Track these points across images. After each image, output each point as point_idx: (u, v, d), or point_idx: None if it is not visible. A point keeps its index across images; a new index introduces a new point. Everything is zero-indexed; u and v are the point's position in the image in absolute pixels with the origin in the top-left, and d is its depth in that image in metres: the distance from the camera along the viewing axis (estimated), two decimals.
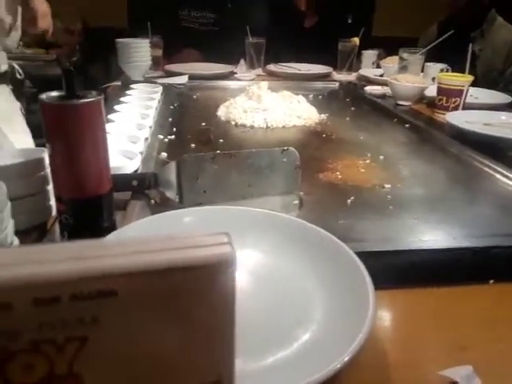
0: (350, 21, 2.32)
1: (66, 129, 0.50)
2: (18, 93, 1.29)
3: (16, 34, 1.12)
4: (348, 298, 0.42)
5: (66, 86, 0.50)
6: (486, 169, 0.88)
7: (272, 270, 0.48)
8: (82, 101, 0.50)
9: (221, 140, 1.00)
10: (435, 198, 0.75)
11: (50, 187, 0.58)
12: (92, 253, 0.16)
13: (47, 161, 0.57)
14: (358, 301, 0.41)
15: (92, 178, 0.53)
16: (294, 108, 1.17)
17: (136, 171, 0.77)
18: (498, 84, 1.80)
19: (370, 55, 1.88)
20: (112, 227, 0.57)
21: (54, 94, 0.51)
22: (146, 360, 0.16)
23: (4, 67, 1.19)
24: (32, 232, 0.57)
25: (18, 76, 1.29)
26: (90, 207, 0.54)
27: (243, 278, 0.48)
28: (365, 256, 0.47)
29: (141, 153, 0.84)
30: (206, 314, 0.16)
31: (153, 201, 0.68)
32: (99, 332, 0.16)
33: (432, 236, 0.62)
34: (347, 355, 0.35)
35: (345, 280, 0.44)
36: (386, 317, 0.47)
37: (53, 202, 0.59)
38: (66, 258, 0.15)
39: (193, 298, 0.16)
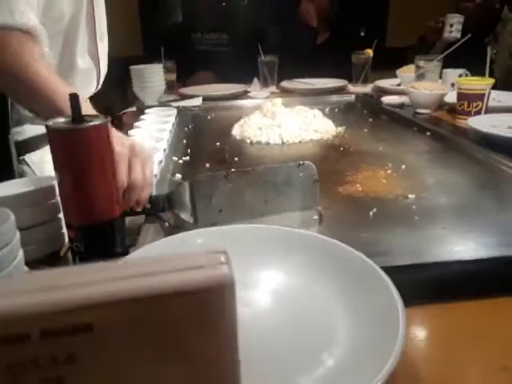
0: (362, 33, 2.31)
1: (74, 153, 0.49)
2: None
3: None
4: (376, 318, 0.39)
5: (73, 111, 0.50)
6: None
7: (294, 289, 0.45)
8: (89, 124, 0.49)
9: (236, 158, 0.98)
10: (463, 206, 0.71)
11: (62, 215, 0.57)
12: (67, 281, 0.14)
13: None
14: (386, 321, 0.38)
15: (101, 203, 0.51)
16: (309, 122, 1.15)
17: (150, 194, 0.75)
18: None
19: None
20: (125, 252, 0.55)
21: (61, 119, 0.50)
22: None
23: None
24: (44, 261, 0.56)
25: None
26: (101, 233, 0.52)
27: (263, 300, 0.45)
28: (391, 271, 0.44)
29: (155, 176, 0.83)
30: (202, 346, 0.14)
31: (167, 223, 0.66)
32: (76, 372, 0.13)
33: (462, 246, 0.58)
34: (377, 382, 0.32)
35: (372, 298, 0.41)
36: (418, 336, 0.43)
37: (65, 229, 0.58)
38: (35, 289, 0.13)
39: (185, 329, 0.14)
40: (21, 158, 1.01)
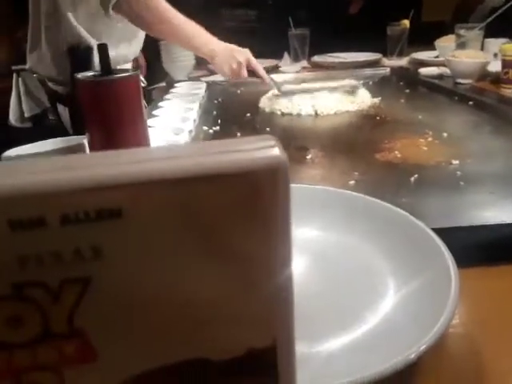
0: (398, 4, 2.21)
1: (104, 106, 0.47)
2: None
3: None
4: (425, 275, 0.36)
5: (101, 63, 0.48)
6: None
7: (333, 248, 0.42)
8: (118, 75, 0.47)
9: (267, 129, 0.96)
10: (511, 171, 0.66)
11: None
12: (89, 162, 0.11)
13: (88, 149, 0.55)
14: (436, 278, 0.35)
15: None
16: (345, 92, 1.10)
17: None
18: None
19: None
20: None
21: (90, 73, 0.49)
22: (171, 309, 0.12)
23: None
24: None
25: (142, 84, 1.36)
26: None
27: (301, 259, 0.43)
28: (438, 233, 0.41)
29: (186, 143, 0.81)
30: (250, 243, 0.12)
31: None
32: (105, 270, 0.11)
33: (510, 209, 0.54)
34: (426, 342, 0.29)
35: (419, 255, 0.38)
36: (469, 297, 0.39)
37: None
38: (53, 168, 0.11)
39: (229, 220, 0.11)
40: None
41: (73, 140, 0.57)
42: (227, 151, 0.12)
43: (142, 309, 0.12)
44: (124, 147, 0.42)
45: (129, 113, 0.48)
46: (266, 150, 0.12)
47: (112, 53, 1.07)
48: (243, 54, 1.09)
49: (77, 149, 0.55)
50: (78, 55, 1.06)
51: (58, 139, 0.61)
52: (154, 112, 1.00)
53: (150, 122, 0.91)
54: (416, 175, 0.64)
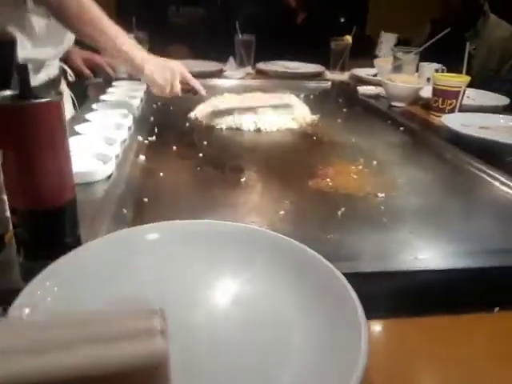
0: (342, 20, 2.28)
1: (21, 132, 0.44)
2: None
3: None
4: (337, 331, 0.37)
5: (21, 85, 0.44)
6: (485, 176, 0.83)
7: (247, 298, 0.42)
8: (39, 101, 0.44)
9: (205, 142, 0.94)
10: (431, 208, 0.70)
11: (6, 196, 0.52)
12: None
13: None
14: (348, 335, 0.36)
15: (50, 186, 0.47)
16: (288, 110, 1.11)
17: (110, 176, 0.71)
18: (493, 84, 1.76)
19: (390, 38, 1.80)
20: (75, 243, 0.51)
21: (7, 93, 0.45)
22: None
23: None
24: None
25: (70, 78, 1.25)
26: (48, 219, 0.48)
27: (217, 309, 0.42)
28: (355, 278, 0.42)
29: (117, 156, 0.78)
30: None
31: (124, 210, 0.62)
32: None
33: (428, 253, 0.57)
34: None
35: (333, 309, 0.39)
36: (379, 353, 0.41)
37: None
38: None
39: None
40: None
41: None
42: (113, 338, 0.11)
43: None
44: (41, 175, 0.39)
45: (48, 138, 0.45)
46: (146, 341, 0.11)
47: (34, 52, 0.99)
48: (177, 67, 1.04)
49: None
50: (1, 47, 0.98)
51: None
52: (87, 116, 0.96)
53: (81, 128, 0.87)
54: (343, 208, 0.66)
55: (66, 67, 1.27)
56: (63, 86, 1.24)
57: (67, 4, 0.91)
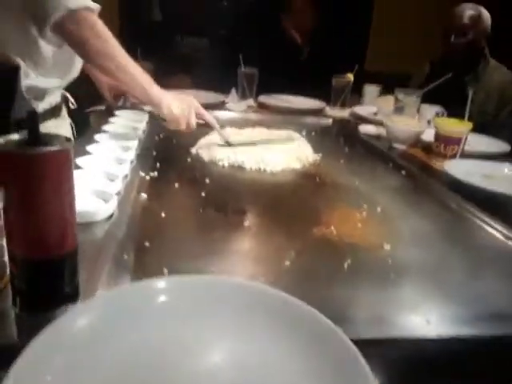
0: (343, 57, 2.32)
1: (27, 181, 0.42)
2: None
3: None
4: None
5: (30, 131, 0.43)
6: (489, 228, 0.82)
7: (246, 365, 0.40)
8: (48, 150, 0.42)
9: (207, 180, 0.93)
10: (436, 263, 0.68)
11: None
12: None
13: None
14: None
15: (53, 235, 0.45)
16: (293, 149, 1.10)
17: (111, 216, 0.69)
18: (491, 129, 1.78)
19: (372, 90, 1.84)
20: (73, 294, 0.48)
21: (14, 138, 0.44)
22: None
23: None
24: None
25: (72, 106, 1.25)
26: (49, 270, 0.46)
27: (213, 371, 0.40)
28: (362, 345, 0.40)
29: (118, 193, 0.76)
30: None
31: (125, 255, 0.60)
32: None
33: (437, 316, 0.55)
34: None
35: (344, 379, 0.37)
36: None
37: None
38: None
39: None
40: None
41: None
42: None
43: None
44: (45, 224, 0.37)
45: (55, 189, 0.43)
46: None
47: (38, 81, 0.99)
48: (192, 103, 1.06)
49: None
50: (4, 74, 0.98)
51: None
52: (89, 148, 0.94)
53: (81, 161, 0.85)
54: (349, 260, 0.64)
55: (67, 94, 1.26)
56: (64, 114, 1.23)
57: (91, 42, 0.94)
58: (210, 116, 1.10)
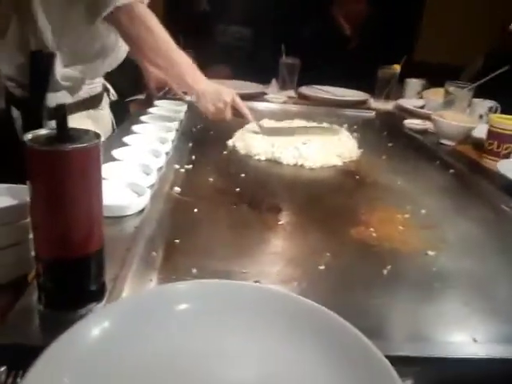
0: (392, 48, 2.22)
1: (53, 177, 0.41)
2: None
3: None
4: None
5: (58, 126, 0.42)
6: None
7: (270, 376, 0.37)
8: (75, 146, 0.41)
9: (242, 175, 0.90)
10: (487, 273, 0.63)
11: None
12: None
13: None
14: None
15: (80, 235, 0.43)
16: (334, 145, 1.05)
17: (142, 211, 0.68)
18: None
19: (414, 84, 1.75)
20: (100, 291, 0.47)
21: (42, 132, 0.43)
22: None
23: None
24: (8, 289, 0.48)
25: (112, 98, 1.28)
26: (75, 269, 0.45)
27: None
28: (399, 362, 0.37)
29: (152, 187, 0.75)
30: None
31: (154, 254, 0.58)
32: None
33: (487, 334, 0.50)
34: None
35: None
36: None
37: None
38: None
39: None
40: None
41: (18, 192, 0.51)
42: None
43: None
44: (72, 223, 0.36)
45: (83, 185, 0.42)
46: None
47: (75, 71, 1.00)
48: (230, 94, 1.05)
49: (20, 209, 0.48)
50: (40, 60, 0.99)
51: (3, 188, 0.54)
52: (125, 139, 0.94)
53: (117, 153, 0.85)
54: (389, 266, 0.60)
55: (108, 85, 1.27)
56: (104, 104, 1.24)
57: (142, 35, 0.98)
58: (246, 109, 1.08)
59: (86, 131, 0.44)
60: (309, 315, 0.41)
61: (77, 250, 0.44)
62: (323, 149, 1.01)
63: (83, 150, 0.41)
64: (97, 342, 0.36)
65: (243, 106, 1.07)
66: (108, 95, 1.26)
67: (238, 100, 1.06)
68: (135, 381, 0.36)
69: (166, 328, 0.39)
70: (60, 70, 1.00)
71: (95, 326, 0.37)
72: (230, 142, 1.09)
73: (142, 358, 0.36)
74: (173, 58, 1.01)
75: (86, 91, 1.12)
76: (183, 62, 1.03)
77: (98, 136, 0.44)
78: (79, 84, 1.07)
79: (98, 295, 0.47)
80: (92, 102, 1.16)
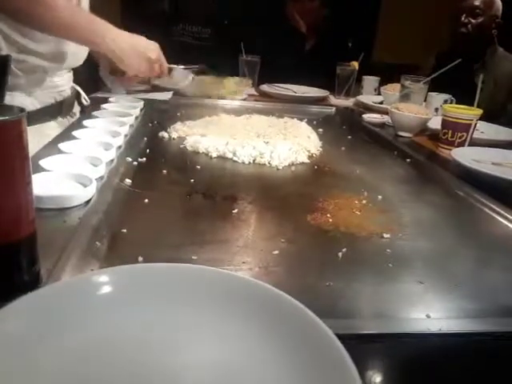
0: (350, 44, 2.24)
1: None
2: None
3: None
4: None
5: None
6: (499, 217, 0.76)
7: (221, 365, 0.35)
8: None
9: (198, 167, 0.88)
10: (441, 253, 0.63)
11: None
12: None
13: None
14: None
15: (4, 221, 0.40)
16: (299, 140, 1.04)
17: (89, 201, 0.64)
18: (500, 118, 1.71)
19: (371, 81, 1.78)
20: (33, 281, 0.44)
21: None
22: None
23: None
24: None
25: (85, 103, 1.20)
26: (2, 258, 0.41)
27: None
28: (353, 340, 0.35)
29: (100, 178, 0.71)
30: None
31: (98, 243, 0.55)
32: None
33: (441, 310, 0.49)
34: None
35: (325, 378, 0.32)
36: None
37: None
38: None
39: None
40: None
41: None
42: None
43: None
44: None
45: (3, 166, 0.39)
46: None
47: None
48: (153, 51, 1.03)
49: None
50: None
51: None
52: (75, 133, 0.89)
53: (66, 145, 0.81)
54: (345, 249, 0.59)
55: (79, 89, 1.20)
56: (76, 112, 1.17)
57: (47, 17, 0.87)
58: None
59: (10, 107, 0.41)
60: (249, 292, 0.39)
61: (2, 237, 0.40)
62: (284, 145, 0.98)
63: (2, 124, 0.38)
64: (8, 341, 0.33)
65: (165, 62, 1.07)
66: (79, 101, 1.19)
67: (162, 57, 1.06)
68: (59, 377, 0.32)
69: (87, 316, 0.36)
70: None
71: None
72: (163, 134, 1.07)
73: (60, 353, 0.33)
74: (81, 25, 0.91)
75: (50, 95, 1.05)
76: (83, 22, 0.92)
77: (22, 110, 0.40)
78: (40, 77, 0.99)
79: (30, 286, 0.44)
80: (59, 109, 1.08)
